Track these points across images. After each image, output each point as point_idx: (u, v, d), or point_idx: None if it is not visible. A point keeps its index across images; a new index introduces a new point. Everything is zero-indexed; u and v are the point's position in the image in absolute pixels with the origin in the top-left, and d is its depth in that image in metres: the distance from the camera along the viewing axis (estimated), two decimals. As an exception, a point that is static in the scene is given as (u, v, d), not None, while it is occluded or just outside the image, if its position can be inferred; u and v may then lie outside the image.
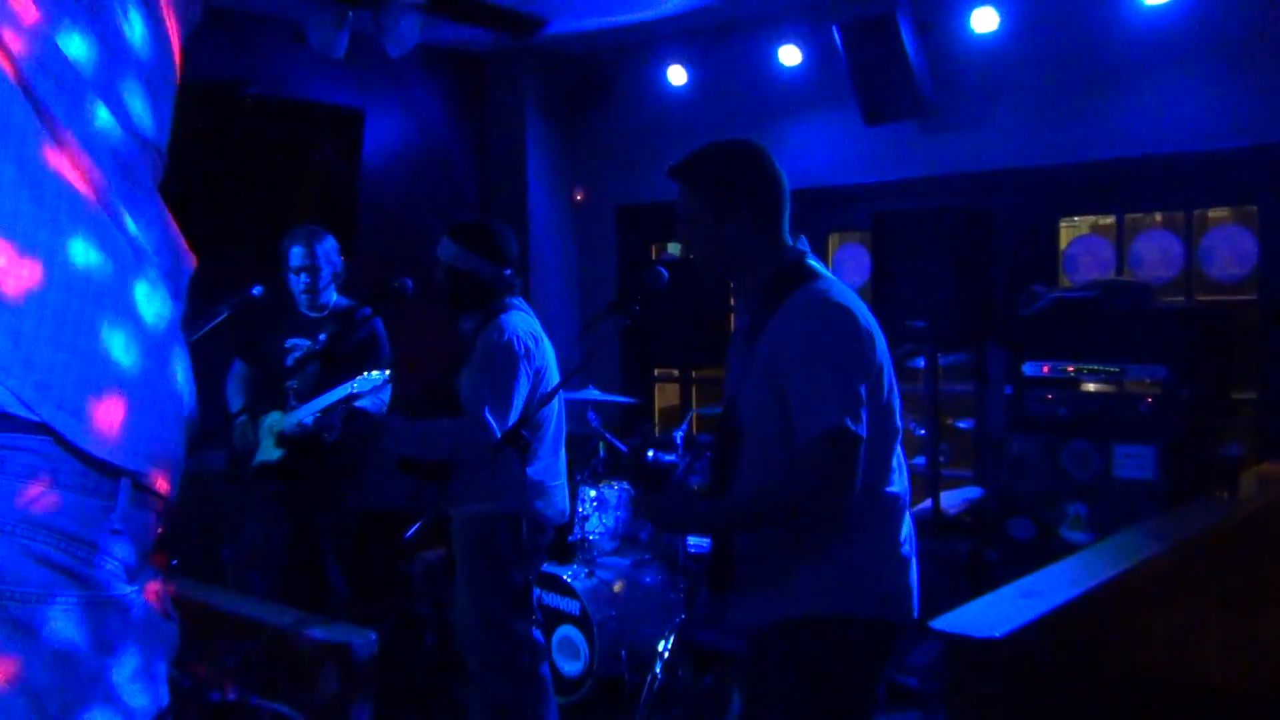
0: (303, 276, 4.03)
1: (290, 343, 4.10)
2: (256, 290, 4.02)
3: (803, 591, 2.27)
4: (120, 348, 0.97)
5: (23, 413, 0.91)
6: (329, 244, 4.11)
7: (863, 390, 2.19)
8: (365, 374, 3.59)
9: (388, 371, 3.63)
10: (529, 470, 3.34)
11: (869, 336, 2.26)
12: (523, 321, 3.39)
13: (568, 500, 3.55)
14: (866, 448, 2.18)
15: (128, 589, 1.00)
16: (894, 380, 2.34)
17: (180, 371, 1.05)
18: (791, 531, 2.29)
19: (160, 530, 1.06)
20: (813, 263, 2.38)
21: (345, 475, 4.14)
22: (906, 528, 2.35)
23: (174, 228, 1.06)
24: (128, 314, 0.98)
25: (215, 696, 2.57)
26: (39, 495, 0.93)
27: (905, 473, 2.38)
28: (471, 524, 3.41)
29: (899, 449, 2.36)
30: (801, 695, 2.30)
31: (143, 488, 1.00)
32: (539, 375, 3.39)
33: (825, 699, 2.29)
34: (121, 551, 0.99)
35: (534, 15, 4.59)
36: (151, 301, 1.01)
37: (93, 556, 0.96)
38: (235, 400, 4.16)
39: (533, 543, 3.40)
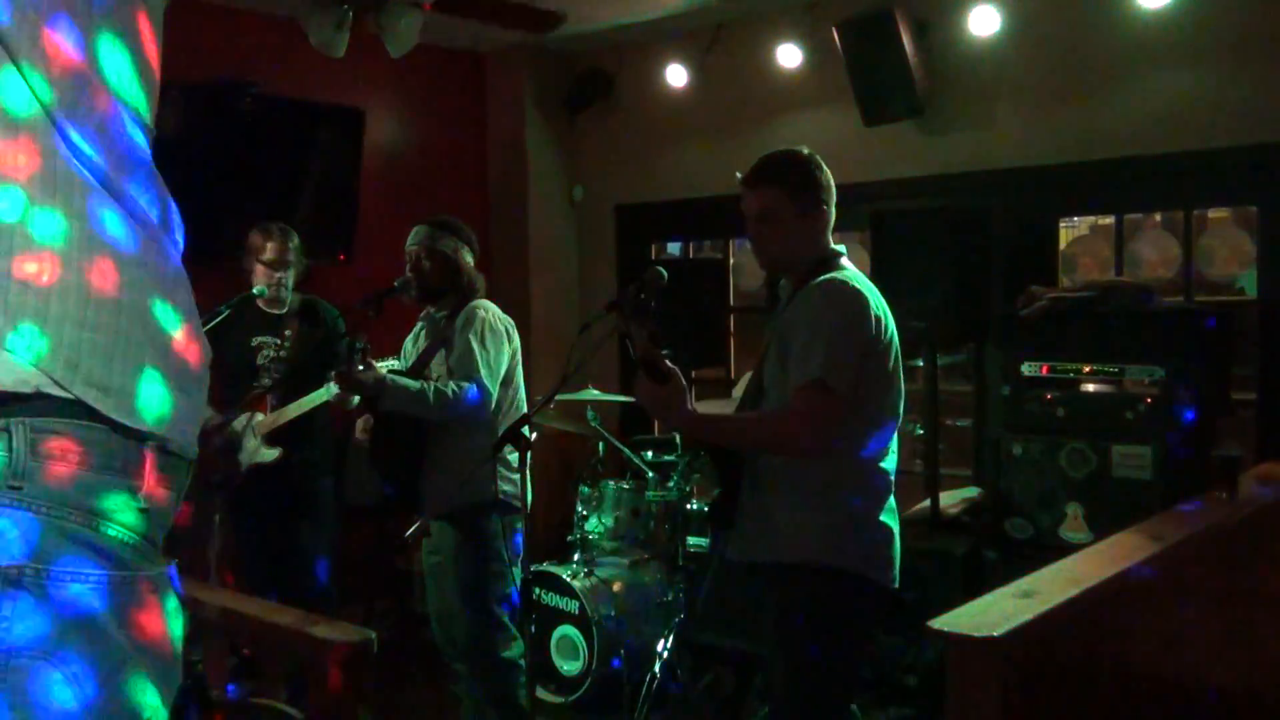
0: (280, 274, 4.02)
1: (257, 340, 4.08)
2: (257, 290, 4.03)
3: (794, 539, 2.53)
4: (139, 324, 1.00)
5: (56, 391, 0.94)
6: (294, 241, 4.11)
7: (851, 359, 2.44)
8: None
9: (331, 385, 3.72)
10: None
11: (874, 319, 2.50)
12: (498, 310, 3.56)
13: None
14: (869, 418, 2.48)
15: (157, 568, 1.02)
16: (901, 370, 2.59)
17: (194, 341, 1.07)
18: (790, 483, 2.55)
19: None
20: (844, 259, 2.68)
21: (321, 473, 4.15)
22: (892, 504, 2.61)
23: (171, 199, 1.09)
24: (145, 291, 1.01)
25: (215, 696, 2.58)
26: (70, 475, 0.95)
27: (895, 457, 2.65)
28: (464, 515, 3.44)
29: (895, 435, 2.62)
30: (794, 637, 2.54)
31: (169, 454, 1.02)
32: (515, 358, 3.54)
33: (815, 644, 2.52)
34: (149, 530, 1.01)
35: (552, 11, 4.60)
36: (165, 275, 1.04)
37: (123, 535, 0.98)
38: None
39: (520, 531, 3.47)
